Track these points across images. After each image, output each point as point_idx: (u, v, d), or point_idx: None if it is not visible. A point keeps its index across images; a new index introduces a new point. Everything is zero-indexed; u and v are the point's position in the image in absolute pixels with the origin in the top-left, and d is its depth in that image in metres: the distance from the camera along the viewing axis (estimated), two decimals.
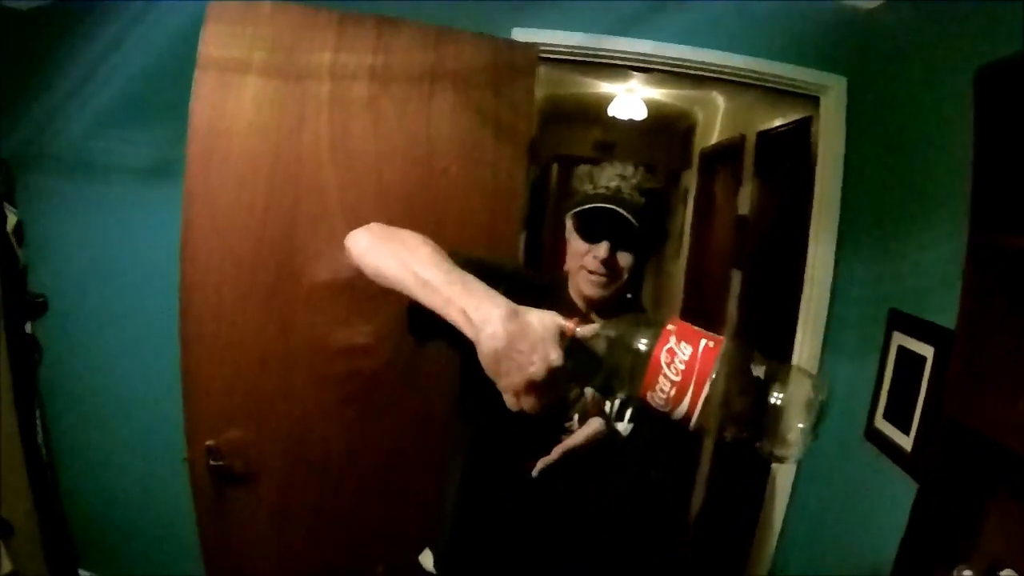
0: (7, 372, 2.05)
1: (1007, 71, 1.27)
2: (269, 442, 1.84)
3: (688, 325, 0.80)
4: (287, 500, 1.88)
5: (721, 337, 0.79)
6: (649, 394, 0.77)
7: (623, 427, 1.18)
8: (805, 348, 2.23)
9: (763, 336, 2.72)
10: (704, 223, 4.41)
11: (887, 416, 1.85)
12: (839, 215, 2.20)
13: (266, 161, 1.76)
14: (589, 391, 1.01)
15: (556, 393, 0.81)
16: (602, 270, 1.17)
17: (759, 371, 0.77)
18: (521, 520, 1.20)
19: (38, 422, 2.21)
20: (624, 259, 1.17)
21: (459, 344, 0.86)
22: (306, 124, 1.76)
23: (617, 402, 1.19)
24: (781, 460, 0.75)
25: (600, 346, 0.82)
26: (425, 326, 0.98)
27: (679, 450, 1.21)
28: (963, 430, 1.31)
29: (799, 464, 2.25)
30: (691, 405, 0.75)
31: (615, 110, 4.42)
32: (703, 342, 0.77)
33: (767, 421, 0.74)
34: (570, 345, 0.81)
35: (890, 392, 1.86)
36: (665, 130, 5.00)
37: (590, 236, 1.18)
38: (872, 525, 1.85)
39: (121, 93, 2.12)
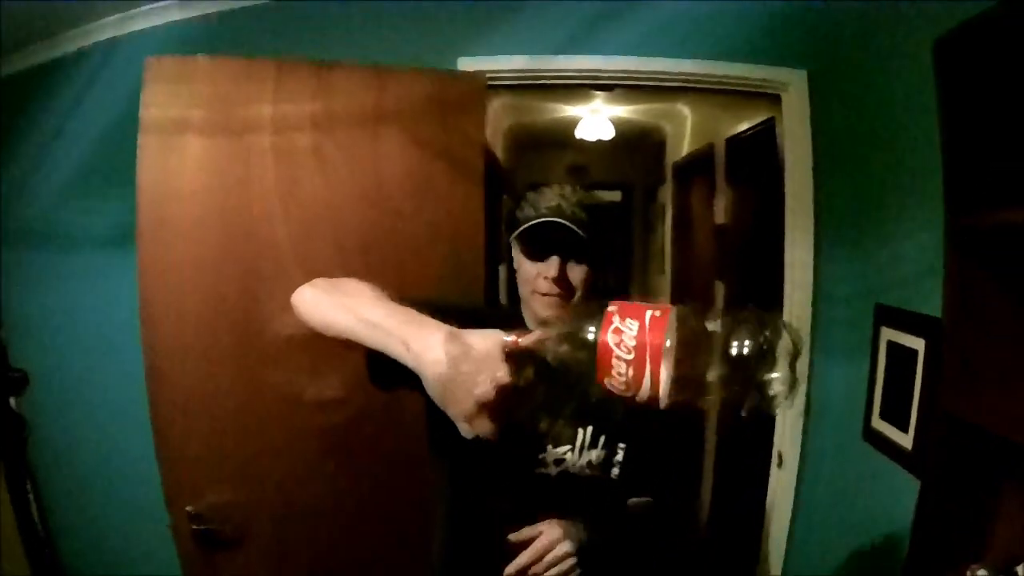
0: None
1: (965, 37, 1.23)
2: (255, 501, 1.79)
3: (631, 303, 0.75)
4: (280, 555, 1.83)
5: (669, 305, 0.74)
6: (607, 381, 0.71)
7: (596, 454, 1.16)
8: None
9: None
10: (684, 236, 4.38)
11: (884, 416, 1.77)
12: (814, 213, 2.15)
13: (216, 220, 1.73)
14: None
15: (511, 414, 0.77)
16: (555, 289, 1.13)
17: (716, 326, 0.70)
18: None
19: (31, 498, 2.19)
20: (576, 273, 1.14)
21: (418, 383, 0.82)
22: (253, 178, 1.72)
23: (589, 430, 1.16)
24: (768, 410, 0.69)
25: (548, 351, 0.76)
26: (384, 372, 0.95)
27: (660, 465, 1.21)
28: (961, 423, 1.24)
29: (801, 471, 2.18)
30: (653, 381, 0.69)
31: (582, 132, 4.40)
32: (649, 313, 0.72)
33: (740, 373, 0.68)
34: (520, 359, 0.76)
35: (884, 390, 1.79)
36: (636, 147, 5.00)
37: (537, 255, 1.15)
38: (879, 528, 1.77)
39: (81, 159, 2.10)
